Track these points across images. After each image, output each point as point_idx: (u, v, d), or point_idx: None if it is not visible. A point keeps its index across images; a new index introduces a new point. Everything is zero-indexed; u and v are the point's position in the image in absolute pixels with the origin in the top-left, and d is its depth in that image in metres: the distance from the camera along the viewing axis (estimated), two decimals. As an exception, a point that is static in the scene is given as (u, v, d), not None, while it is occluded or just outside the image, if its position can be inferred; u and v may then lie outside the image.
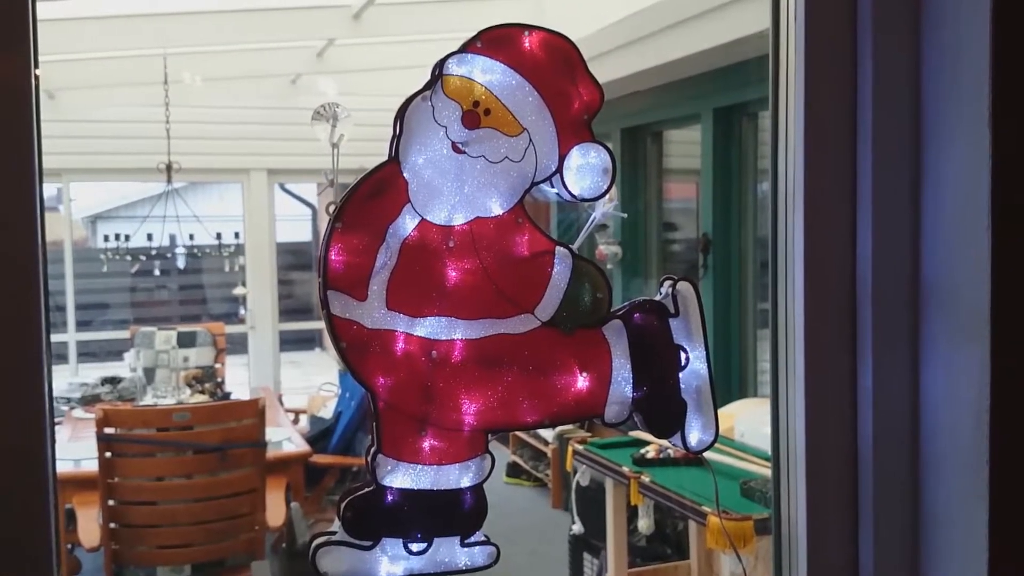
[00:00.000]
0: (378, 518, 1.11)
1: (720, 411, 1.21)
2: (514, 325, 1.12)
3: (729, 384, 5.13)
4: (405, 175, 1.08)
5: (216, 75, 6.53)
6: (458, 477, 1.12)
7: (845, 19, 1.25)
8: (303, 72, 6.74)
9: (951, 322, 1.21)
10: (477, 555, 1.14)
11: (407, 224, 1.08)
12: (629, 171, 6.18)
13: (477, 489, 1.13)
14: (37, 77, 1.00)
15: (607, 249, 5.91)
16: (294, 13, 5.59)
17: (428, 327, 1.09)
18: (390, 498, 1.10)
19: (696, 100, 5.27)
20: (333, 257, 1.06)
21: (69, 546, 4.19)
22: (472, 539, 1.14)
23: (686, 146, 5.93)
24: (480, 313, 1.10)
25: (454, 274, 1.09)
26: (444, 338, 1.10)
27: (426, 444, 1.11)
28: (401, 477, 1.10)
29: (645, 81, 5.37)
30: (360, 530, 1.10)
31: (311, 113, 1.10)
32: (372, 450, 1.11)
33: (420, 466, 1.11)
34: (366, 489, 1.11)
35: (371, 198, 1.07)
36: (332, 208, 1.06)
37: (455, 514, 1.13)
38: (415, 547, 1.11)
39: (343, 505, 1.11)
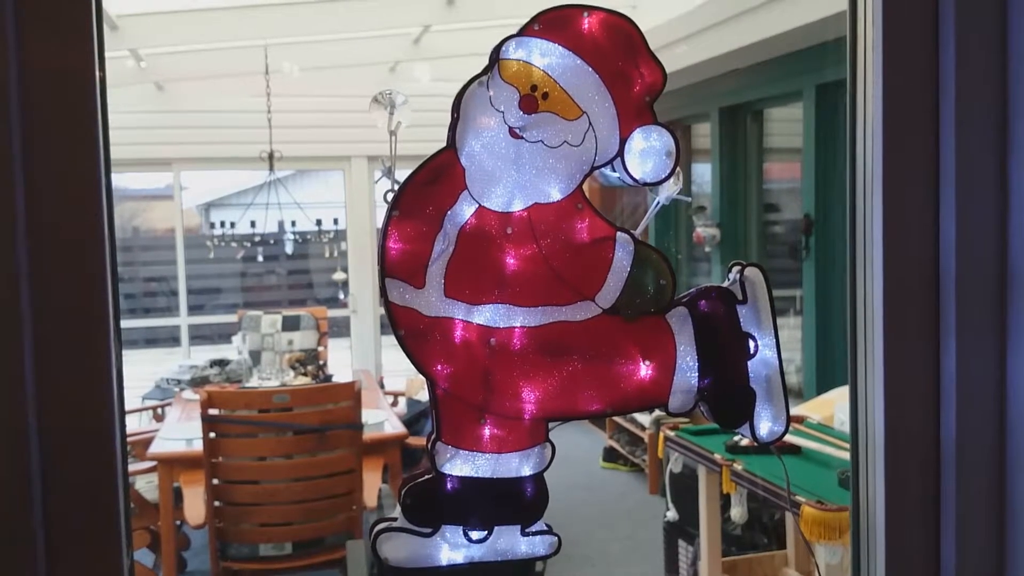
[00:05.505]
0: (438, 505, 1.11)
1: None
2: (574, 312, 1.10)
3: (833, 370, 4.99)
4: (462, 162, 1.07)
5: (316, 64, 6.65)
6: (518, 466, 1.11)
7: (927, -11, 1.19)
8: (400, 59, 6.81)
9: (1042, 308, 1.14)
10: (538, 544, 1.13)
11: (464, 211, 1.07)
12: (728, 151, 6.06)
13: (538, 478, 1.12)
14: (103, 66, 1.02)
15: (705, 232, 5.81)
16: (390, 1, 5.64)
17: (486, 315, 1.08)
18: (450, 486, 1.10)
19: (798, 77, 5.12)
20: (391, 245, 1.06)
21: (178, 523, 4.35)
22: (533, 528, 1.13)
23: (789, 124, 5.78)
24: (539, 300, 1.09)
25: (512, 261, 1.08)
26: (503, 326, 1.09)
27: (486, 432, 1.10)
28: (460, 465, 1.10)
29: (744, 58, 5.25)
30: (420, 517, 1.11)
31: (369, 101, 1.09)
32: (432, 437, 1.11)
33: (480, 454, 1.10)
34: (426, 476, 1.11)
35: (428, 185, 1.07)
36: (389, 196, 1.06)
37: (515, 503, 1.12)
38: (475, 535, 1.11)
39: (403, 492, 1.11)
